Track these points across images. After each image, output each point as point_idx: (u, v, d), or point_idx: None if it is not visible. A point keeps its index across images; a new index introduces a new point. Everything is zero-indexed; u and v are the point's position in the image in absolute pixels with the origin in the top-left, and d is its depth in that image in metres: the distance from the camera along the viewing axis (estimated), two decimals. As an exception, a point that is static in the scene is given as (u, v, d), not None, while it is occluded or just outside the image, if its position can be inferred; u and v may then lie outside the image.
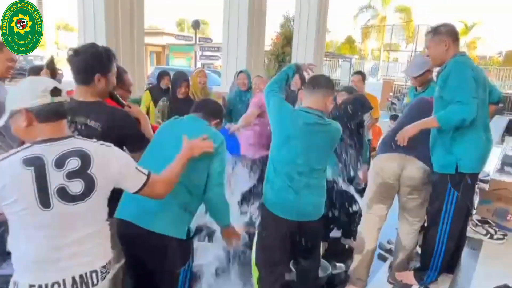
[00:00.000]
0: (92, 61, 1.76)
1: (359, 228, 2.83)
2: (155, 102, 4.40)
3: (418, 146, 2.49)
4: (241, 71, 4.33)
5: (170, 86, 4.48)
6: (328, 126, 2.20)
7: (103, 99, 1.87)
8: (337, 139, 2.27)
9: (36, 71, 3.24)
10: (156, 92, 4.61)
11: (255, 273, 2.38)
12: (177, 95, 3.81)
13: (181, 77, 3.88)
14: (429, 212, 2.66)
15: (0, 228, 2.63)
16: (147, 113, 4.44)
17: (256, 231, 2.44)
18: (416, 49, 23.78)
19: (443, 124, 2.32)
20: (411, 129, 2.39)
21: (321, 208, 2.29)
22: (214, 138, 1.89)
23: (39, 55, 21.83)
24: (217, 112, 2.12)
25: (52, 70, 2.14)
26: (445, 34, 2.44)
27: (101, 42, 4.97)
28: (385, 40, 29.92)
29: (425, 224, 2.78)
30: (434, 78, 3.22)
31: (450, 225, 2.49)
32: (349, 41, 32.24)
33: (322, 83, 2.22)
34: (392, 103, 13.44)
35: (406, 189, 2.63)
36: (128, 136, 1.84)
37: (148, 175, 1.48)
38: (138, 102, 4.56)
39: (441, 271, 2.66)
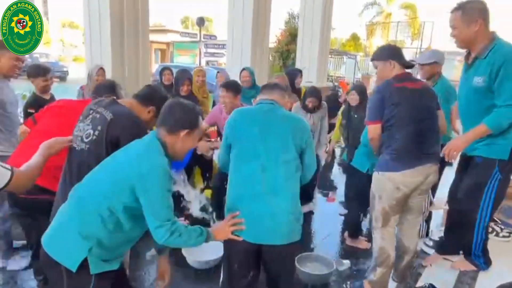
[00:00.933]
0: (156, 97, 1.93)
1: (381, 244, 2.50)
2: None
3: (438, 151, 2.39)
4: (243, 69, 4.33)
5: (173, 82, 4.54)
6: (282, 110, 1.97)
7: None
8: (301, 130, 1.90)
9: (34, 70, 3.23)
10: None
11: None
12: (180, 93, 3.84)
13: (183, 75, 3.92)
14: (464, 197, 2.57)
15: (6, 223, 2.67)
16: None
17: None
18: (421, 46, 23.63)
19: (495, 130, 2.25)
20: (462, 144, 2.28)
21: (290, 228, 1.83)
22: (141, 162, 1.51)
23: (45, 53, 21.97)
24: (185, 122, 1.65)
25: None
26: (477, 12, 2.24)
27: (106, 39, 5.03)
28: (390, 37, 29.75)
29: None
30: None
31: (491, 212, 2.49)
32: (354, 38, 32.09)
33: (280, 86, 2.15)
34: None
35: (419, 191, 2.48)
36: (125, 133, 1.74)
37: (12, 170, 1.44)
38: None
39: (485, 255, 2.70)
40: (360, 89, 3.62)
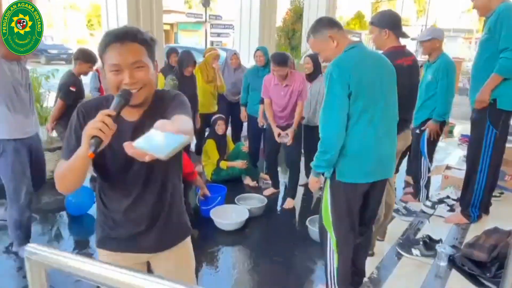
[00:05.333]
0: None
1: None
2: None
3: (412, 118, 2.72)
4: (258, 49, 4.60)
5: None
6: None
7: None
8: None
9: (86, 55, 3.46)
10: (167, 70, 4.76)
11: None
12: (184, 73, 4.17)
13: (189, 57, 4.25)
14: (468, 154, 2.99)
15: (25, 214, 2.67)
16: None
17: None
18: (427, 23, 23.51)
19: (506, 75, 2.65)
20: (485, 95, 2.69)
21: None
22: None
23: (49, 35, 22.03)
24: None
25: None
26: None
27: (123, 22, 5.30)
28: (395, 14, 29.41)
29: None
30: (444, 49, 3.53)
31: (488, 167, 2.88)
32: (359, 16, 31.82)
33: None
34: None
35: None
36: None
37: None
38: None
39: (481, 209, 3.09)
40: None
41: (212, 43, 14.54)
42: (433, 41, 3.37)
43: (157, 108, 1.26)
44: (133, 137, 1.18)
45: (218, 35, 14.41)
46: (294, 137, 3.66)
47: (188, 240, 1.50)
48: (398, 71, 2.36)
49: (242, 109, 4.61)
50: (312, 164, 2.00)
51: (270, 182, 4.18)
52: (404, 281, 2.50)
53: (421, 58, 7.97)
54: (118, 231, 1.35)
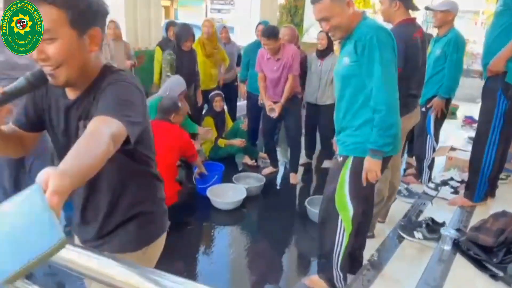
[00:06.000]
0: None
1: (379, 186, 2.47)
2: None
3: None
4: (260, 23, 4.43)
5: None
6: None
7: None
8: None
9: None
10: (165, 45, 4.62)
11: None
12: (182, 48, 3.96)
13: (188, 31, 4.03)
14: (478, 125, 2.85)
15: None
16: (160, 68, 4.35)
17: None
18: (432, 2, 22.99)
19: None
20: (500, 63, 2.51)
21: None
22: None
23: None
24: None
25: None
26: None
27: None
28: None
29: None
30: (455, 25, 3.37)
31: (499, 140, 2.71)
32: (363, -6, 31.15)
33: None
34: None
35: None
36: None
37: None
38: (153, 55, 4.67)
39: (487, 189, 2.94)
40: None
41: (212, 20, 14.17)
42: (447, 13, 3.23)
43: (97, 90, 1.01)
44: (66, 118, 1.06)
45: (219, 11, 14.09)
46: (292, 114, 3.55)
47: (135, 255, 1.17)
48: (414, 45, 2.38)
49: (241, 86, 4.46)
50: (373, 145, 1.77)
51: (269, 161, 4.08)
52: (406, 265, 2.41)
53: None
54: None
